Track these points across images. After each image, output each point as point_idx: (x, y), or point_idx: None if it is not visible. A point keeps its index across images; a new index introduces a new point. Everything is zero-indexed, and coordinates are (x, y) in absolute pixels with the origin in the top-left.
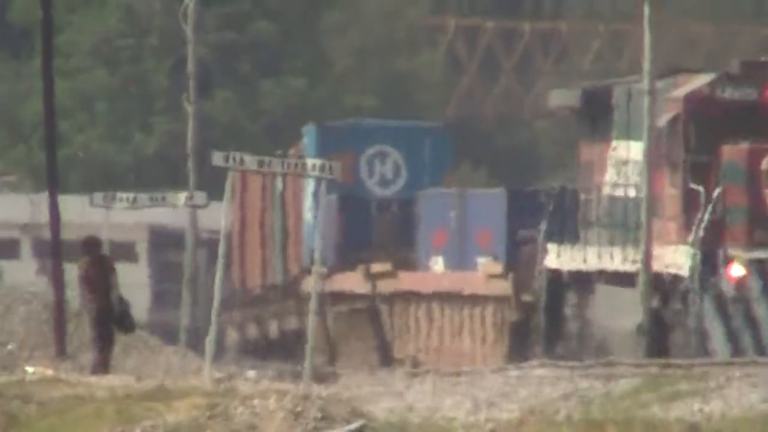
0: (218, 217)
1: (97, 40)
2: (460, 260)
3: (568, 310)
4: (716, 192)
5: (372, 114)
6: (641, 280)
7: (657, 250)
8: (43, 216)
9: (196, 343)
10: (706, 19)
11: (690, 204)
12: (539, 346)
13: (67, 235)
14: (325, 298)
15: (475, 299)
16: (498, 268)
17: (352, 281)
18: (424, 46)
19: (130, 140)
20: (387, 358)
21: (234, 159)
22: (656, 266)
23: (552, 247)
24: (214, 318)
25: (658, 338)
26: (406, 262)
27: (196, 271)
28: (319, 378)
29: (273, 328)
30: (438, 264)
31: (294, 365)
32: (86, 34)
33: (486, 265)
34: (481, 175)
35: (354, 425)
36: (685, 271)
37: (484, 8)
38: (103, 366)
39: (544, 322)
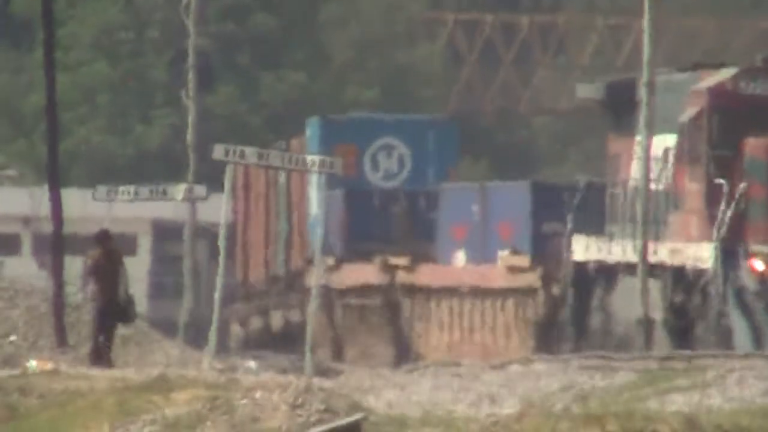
0: (219, 209)
1: (98, 32)
2: (482, 254)
3: (593, 304)
4: (740, 187)
5: (371, 107)
6: (639, 271)
7: (679, 245)
8: (44, 210)
9: (195, 336)
10: (706, 12)
11: (712, 198)
12: (566, 339)
13: (68, 228)
14: (330, 290)
15: (498, 292)
16: (524, 260)
17: (367, 274)
18: (423, 39)
19: (132, 133)
20: (405, 352)
21: (234, 152)
22: (679, 260)
23: (578, 241)
24: (216, 309)
25: (681, 332)
26: (425, 256)
27: (197, 264)
28: (321, 371)
29: (276, 321)
30: (459, 258)
31: (297, 358)
32: (87, 27)
33: (508, 257)
34: (480, 169)
35: (354, 418)
36: (707, 266)
37: (484, 1)
38: (99, 357)
39: (570, 315)
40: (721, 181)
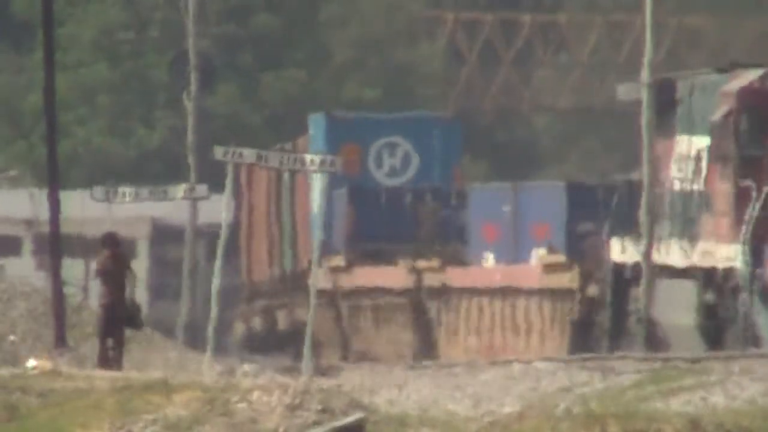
0: (219, 210)
1: (98, 32)
2: (514, 255)
3: (631, 305)
4: (766, 188)
5: (372, 107)
6: (643, 272)
7: (710, 246)
8: (44, 211)
9: (195, 338)
10: (707, 11)
11: (741, 199)
12: (603, 341)
13: (68, 229)
14: (337, 291)
15: (533, 292)
16: (561, 258)
17: (390, 276)
18: (423, 38)
19: (132, 134)
20: (429, 355)
21: (233, 153)
22: (709, 262)
23: (616, 242)
24: (213, 311)
25: (713, 333)
26: (454, 256)
27: (196, 265)
28: (321, 371)
29: (281, 321)
30: (490, 259)
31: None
32: (87, 27)
33: (545, 256)
34: (480, 169)
35: (353, 418)
36: (736, 267)
37: (484, 0)
38: (107, 361)
39: (608, 317)
40: (749, 182)
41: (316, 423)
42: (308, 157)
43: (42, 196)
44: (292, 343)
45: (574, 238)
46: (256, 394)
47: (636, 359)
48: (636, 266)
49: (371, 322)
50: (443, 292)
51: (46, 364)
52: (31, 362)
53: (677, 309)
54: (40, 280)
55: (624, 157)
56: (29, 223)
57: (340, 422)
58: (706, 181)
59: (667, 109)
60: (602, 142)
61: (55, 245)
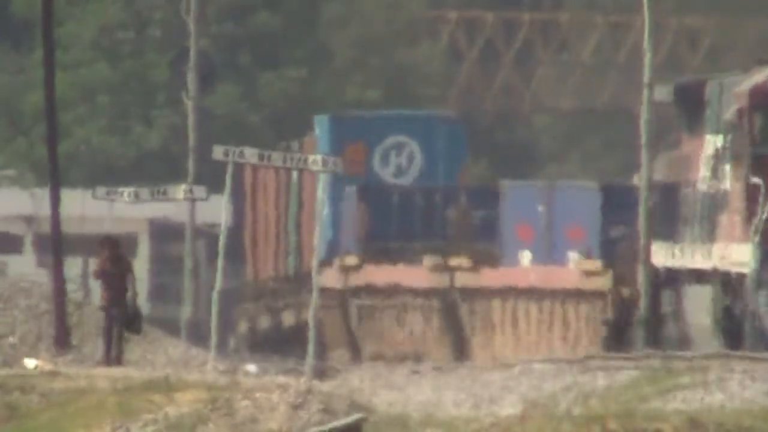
0: (219, 210)
1: (98, 32)
2: (549, 255)
3: (664, 308)
4: None
5: (372, 107)
6: (641, 273)
7: (725, 246)
8: (45, 210)
9: (197, 337)
10: (707, 11)
11: (752, 198)
12: (637, 343)
13: (69, 228)
14: (346, 291)
15: (568, 294)
16: (596, 264)
17: (413, 275)
18: (424, 38)
19: (132, 134)
20: (463, 356)
21: (234, 153)
22: (726, 263)
23: (665, 245)
24: (214, 310)
25: (731, 334)
26: (488, 256)
27: (197, 265)
28: (323, 372)
29: (288, 320)
30: (525, 258)
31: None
32: (87, 26)
33: (581, 261)
34: (480, 168)
35: (353, 418)
36: (746, 268)
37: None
38: (109, 360)
39: (644, 319)
40: (758, 180)
41: (318, 423)
42: (310, 157)
43: (43, 194)
44: (298, 344)
45: (608, 240)
46: (258, 394)
47: (636, 358)
48: (667, 269)
49: (390, 323)
50: (476, 292)
51: (47, 365)
52: (31, 362)
53: (702, 311)
54: (40, 277)
55: (625, 157)
56: (30, 221)
57: (339, 423)
58: (723, 181)
59: (694, 109)
60: (603, 142)
61: (56, 245)
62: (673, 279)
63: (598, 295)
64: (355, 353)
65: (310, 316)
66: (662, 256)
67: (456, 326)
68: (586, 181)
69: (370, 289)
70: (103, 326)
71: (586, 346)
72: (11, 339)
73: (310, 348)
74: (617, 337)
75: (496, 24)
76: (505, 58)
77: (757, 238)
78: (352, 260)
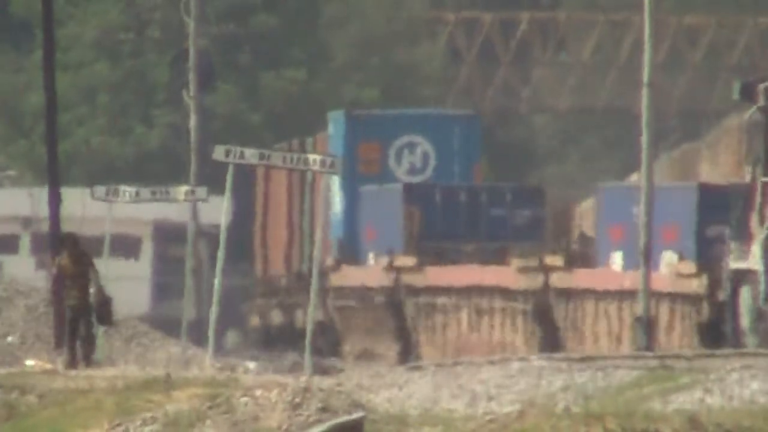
0: (221, 210)
1: (98, 32)
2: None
3: (741, 310)
4: None
5: (372, 106)
6: (641, 273)
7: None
8: (43, 210)
9: (199, 336)
10: (707, 9)
11: (765, 197)
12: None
13: (68, 228)
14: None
15: (660, 297)
16: (690, 267)
17: (501, 275)
18: (424, 38)
19: (132, 133)
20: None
21: (234, 153)
22: (750, 263)
23: (736, 246)
24: (214, 309)
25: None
26: (583, 257)
27: (199, 265)
28: (323, 370)
29: (300, 319)
30: (617, 260)
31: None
32: (87, 27)
33: (675, 264)
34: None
35: (353, 416)
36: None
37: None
38: (75, 363)
39: (730, 322)
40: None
41: (317, 421)
42: (311, 157)
43: (42, 194)
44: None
45: (705, 241)
46: (258, 392)
47: (635, 358)
48: (742, 271)
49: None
50: (571, 293)
51: (46, 365)
52: (30, 362)
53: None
54: (39, 279)
55: (625, 157)
56: (28, 221)
57: (339, 420)
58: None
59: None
60: (601, 142)
61: (55, 245)
62: (746, 280)
63: (692, 298)
64: (405, 353)
65: (309, 316)
66: (737, 256)
67: (550, 327)
68: (685, 182)
69: (433, 290)
70: (67, 327)
71: (680, 348)
72: (10, 339)
73: (308, 345)
74: (713, 340)
75: (494, 24)
76: (503, 58)
77: (762, 237)
78: (407, 261)
